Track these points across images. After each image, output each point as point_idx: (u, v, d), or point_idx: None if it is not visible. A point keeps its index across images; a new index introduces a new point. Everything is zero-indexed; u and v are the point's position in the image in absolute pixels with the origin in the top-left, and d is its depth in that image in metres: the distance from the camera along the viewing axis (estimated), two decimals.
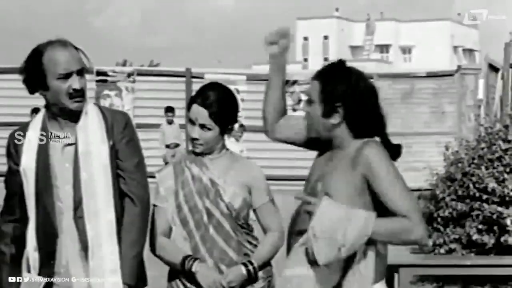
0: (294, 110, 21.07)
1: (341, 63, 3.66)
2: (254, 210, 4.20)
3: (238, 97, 20.69)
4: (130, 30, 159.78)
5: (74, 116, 3.87)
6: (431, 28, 77.26)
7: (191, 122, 4.09)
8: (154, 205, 4.16)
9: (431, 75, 19.55)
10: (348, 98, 3.58)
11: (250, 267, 4.06)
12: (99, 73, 20.74)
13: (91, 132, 3.86)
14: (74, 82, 3.79)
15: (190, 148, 4.25)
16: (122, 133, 3.91)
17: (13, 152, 3.92)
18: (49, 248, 3.85)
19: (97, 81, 20.69)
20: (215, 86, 4.20)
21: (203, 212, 4.06)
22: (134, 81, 21.72)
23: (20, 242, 3.91)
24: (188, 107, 4.13)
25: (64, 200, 3.85)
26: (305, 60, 77.42)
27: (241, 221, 4.13)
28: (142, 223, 3.94)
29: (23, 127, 3.99)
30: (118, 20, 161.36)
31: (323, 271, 3.50)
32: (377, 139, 3.65)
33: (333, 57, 75.94)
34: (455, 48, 79.28)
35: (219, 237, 4.06)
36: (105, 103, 21.22)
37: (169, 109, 19.31)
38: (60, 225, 3.84)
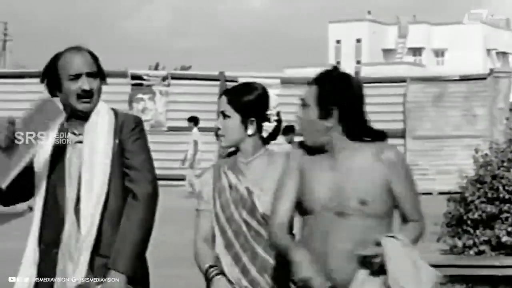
0: None
1: (336, 68, 3.82)
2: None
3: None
4: (162, 33, 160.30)
5: (85, 117, 3.98)
6: (463, 30, 76.83)
7: (218, 117, 4.11)
8: (197, 210, 4.11)
9: (463, 79, 19.58)
10: (343, 102, 3.72)
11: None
12: (134, 77, 20.93)
13: (99, 130, 3.96)
14: (83, 83, 3.90)
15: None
16: (130, 133, 3.98)
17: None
18: (54, 239, 3.91)
19: (132, 84, 20.84)
20: (247, 82, 4.16)
21: (241, 222, 3.98)
22: (168, 85, 21.98)
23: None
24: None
25: (70, 193, 3.93)
26: (338, 63, 77.21)
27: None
28: (141, 218, 3.93)
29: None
30: (150, 24, 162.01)
31: None
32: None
33: (365, 60, 75.89)
34: (488, 51, 78.78)
35: (258, 246, 3.98)
36: (138, 106, 21.50)
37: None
38: (68, 218, 3.91)
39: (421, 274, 3.65)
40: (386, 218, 3.77)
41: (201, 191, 4.10)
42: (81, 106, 3.94)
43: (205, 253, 4.00)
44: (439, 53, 79.22)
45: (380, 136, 3.82)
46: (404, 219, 3.82)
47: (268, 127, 4.04)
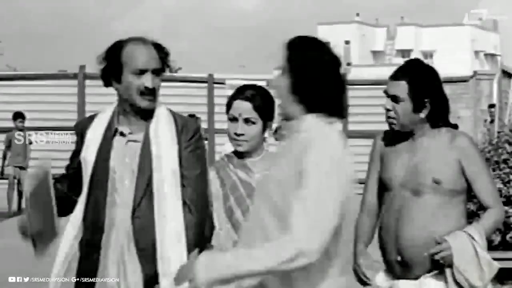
0: None
1: (418, 61, 4.15)
2: None
3: None
4: (152, 34, 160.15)
5: (143, 114, 3.83)
6: (452, 32, 77.08)
7: (233, 119, 4.06)
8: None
9: (446, 81, 19.89)
10: (436, 94, 4.05)
11: None
12: None
13: (162, 135, 3.80)
14: (147, 80, 3.75)
15: (233, 148, 4.17)
16: (188, 142, 3.83)
17: (79, 139, 3.94)
18: (94, 241, 3.79)
19: None
20: (252, 85, 4.16)
21: None
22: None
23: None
24: (228, 106, 4.11)
25: (121, 194, 3.79)
26: None
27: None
28: (196, 233, 3.83)
29: (90, 117, 4.02)
30: (140, 25, 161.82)
31: None
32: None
33: (355, 62, 75.84)
34: (476, 52, 79.05)
35: None
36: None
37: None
38: (112, 218, 3.78)
39: (482, 265, 3.93)
40: (457, 196, 4.05)
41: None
42: (143, 103, 3.81)
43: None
44: (427, 55, 79.38)
45: (454, 125, 4.15)
46: (482, 206, 4.14)
47: (272, 127, 4.17)
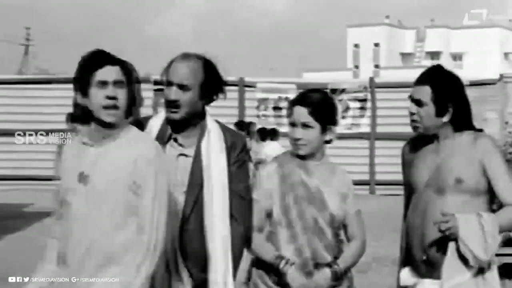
0: (343, 117, 21.78)
1: (440, 67, 4.26)
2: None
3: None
4: (184, 37, 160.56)
5: (178, 126, 4.02)
6: (482, 34, 76.66)
7: (293, 125, 4.20)
8: (253, 198, 4.21)
9: (473, 84, 19.93)
10: (458, 98, 4.16)
11: (337, 268, 4.17)
12: (156, 82, 21.28)
13: (213, 151, 3.97)
14: (170, 93, 3.96)
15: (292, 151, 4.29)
16: (237, 157, 4.03)
17: None
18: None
19: (155, 90, 21.24)
20: (314, 90, 4.30)
21: (310, 218, 4.15)
22: None
23: None
24: (288, 113, 4.25)
25: (170, 206, 3.84)
26: (356, 67, 77.18)
27: (338, 230, 4.26)
28: (243, 244, 4.07)
29: (145, 119, 4.14)
30: (172, 28, 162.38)
31: (481, 272, 4.07)
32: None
33: (384, 64, 75.52)
34: (506, 54, 78.63)
35: (320, 243, 4.17)
36: (162, 112, 22.05)
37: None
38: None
39: (486, 238, 3.98)
40: (480, 196, 4.13)
41: (261, 182, 4.22)
42: (168, 115, 4.00)
43: (264, 243, 4.17)
44: (457, 57, 78.96)
45: (479, 129, 4.26)
46: (501, 205, 4.13)
47: (335, 131, 4.26)
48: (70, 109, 18.09)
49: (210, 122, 4.08)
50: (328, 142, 4.26)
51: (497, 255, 4.15)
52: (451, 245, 4.03)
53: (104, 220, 3.59)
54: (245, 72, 23.29)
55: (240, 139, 4.15)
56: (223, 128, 4.12)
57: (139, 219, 3.58)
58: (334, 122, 4.26)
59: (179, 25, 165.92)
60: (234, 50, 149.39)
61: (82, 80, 3.68)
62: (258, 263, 4.24)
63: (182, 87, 3.96)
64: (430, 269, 4.17)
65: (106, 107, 3.64)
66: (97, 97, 3.65)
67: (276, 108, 22.73)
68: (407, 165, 4.40)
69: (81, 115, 3.72)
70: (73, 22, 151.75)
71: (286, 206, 4.15)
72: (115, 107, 3.63)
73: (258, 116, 22.74)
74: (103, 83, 3.65)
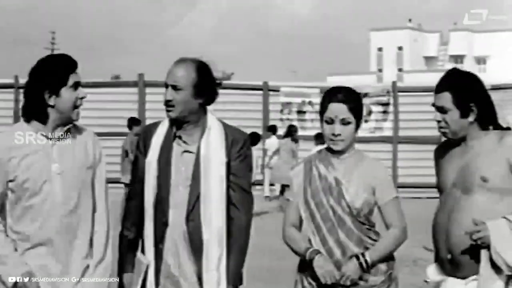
0: (365, 121, 21.99)
1: (456, 70, 4.30)
2: (379, 207, 4.36)
3: (312, 109, 21.71)
4: (206, 39, 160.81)
5: (181, 125, 4.29)
6: (505, 38, 76.42)
7: (329, 121, 4.29)
8: (287, 199, 4.53)
9: (495, 88, 20.04)
10: (480, 97, 4.19)
11: (362, 260, 4.22)
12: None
13: (212, 148, 4.25)
14: (167, 94, 4.24)
15: (326, 146, 4.42)
16: (238, 152, 4.28)
17: (141, 145, 4.35)
18: (160, 234, 4.25)
19: None
20: (343, 87, 4.38)
21: (328, 208, 4.28)
22: None
23: (139, 227, 4.35)
24: (323, 109, 4.33)
25: (177, 198, 4.25)
26: (380, 70, 77.17)
27: (362, 218, 4.28)
28: (248, 233, 4.34)
29: (155, 124, 4.45)
30: (193, 30, 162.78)
31: None
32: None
33: (407, 68, 75.22)
34: None
35: (341, 232, 4.26)
36: None
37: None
38: (172, 220, 4.25)
39: None
40: (509, 196, 4.10)
41: (292, 183, 4.46)
42: (166, 113, 4.29)
43: (298, 237, 4.39)
44: (480, 60, 78.69)
45: (507, 128, 4.26)
46: None
47: (363, 129, 4.51)
48: (94, 112, 18.21)
49: (210, 120, 4.33)
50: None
51: None
52: (484, 253, 4.05)
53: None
54: (268, 75, 23.37)
55: (241, 136, 4.38)
56: (225, 126, 4.36)
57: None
58: (362, 117, 4.41)
59: (201, 26, 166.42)
60: (256, 51, 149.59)
61: (55, 82, 4.08)
62: (301, 265, 4.41)
63: (175, 87, 4.24)
64: (454, 268, 4.21)
65: (76, 107, 4.15)
66: (71, 98, 4.12)
67: (300, 112, 23.01)
68: (438, 167, 4.44)
69: (40, 113, 4.11)
70: (97, 26, 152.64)
71: (307, 200, 4.34)
72: (79, 106, 4.17)
73: (281, 120, 23.02)
74: (76, 85, 4.13)
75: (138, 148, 4.40)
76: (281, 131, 22.06)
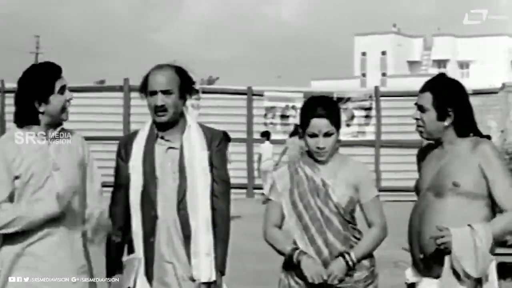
0: (348, 125, 22.17)
1: (443, 75, 4.45)
2: (361, 206, 4.52)
3: (295, 113, 21.75)
4: (191, 44, 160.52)
5: (165, 127, 4.52)
6: (488, 43, 76.61)
7: (312, 136, 4.44)
8: (269, 199, 4.61)
9: (476, 93, 19.99)
10: (459, 103, 4.31)
11: (348, 259, 4.38)
12: None
13: (194, 142, 4.49)
14: (157, 100, 4.46)
15: (308, 156, 4.56)
16: (218, 147, 4.55)
17: (123, 152, 4.59)
18: (150, 228, 4.47)
19: None
20: (321, 98, 4.55)
21: (316, 209, 4.42)
22: (199, 99, 22.92)
23: (125, 229, 4.54)
24: (305, 123, 4.47)
25: (166, 191, 4.48)
26: (363, 75, 77.21)
27: (348, 217, 4.45)
28: (229, 222, 4.62)
29: (134, 131, 4.72)
30: (179, 35, 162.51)
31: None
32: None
33: (391, 72, 75.19)
34: None
35: (329, 232, 4.41)
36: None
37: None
38: (163, 212, 4.46)
39: (478, 256, 4.06)
40: (479, 200, 4.21)
41: (275, 183, 4.59)
42: (157, 118, 4.52)
43: (281, 237, 4.52)
44: (463, 65, 78.80)
45: (486, 136, 4.39)
46: (500, 210, 4.20)
47: (343, 133, 4.68)
48: (80, 116, 18.25)
49: (189, 119, 4.61)
50: (339, 141, 4.57)
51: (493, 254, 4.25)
52: (447, 259, 4.17)
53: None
54: (253, 80, 23.50)
55: (218, 132, 4.67)
56: (200, 124, 4.63)
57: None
58: (341, 124, 4.57)
59: (185, 31, 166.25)
60: (241, 57, 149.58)
61: (43, 91, 4.33)
62: (286, 264, 4.56)
63: (165, 92, 4.47)
64: (427, 267, 4.32)
65: (65, 109, 4.41)
66: (60, 102, 4.37)
67: (283, 116, 23.14)
68: (419, 170, 4.56)
69: (32, 119, 4.35)
70: (82, 30, 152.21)
71: (294, 201, 4.47)
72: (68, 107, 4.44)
73: (265, 124, 23.16)
74: (63, 89, 4.38)
75: (119, 155, 4.63)
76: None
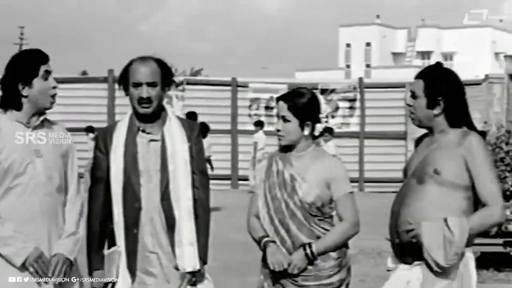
0: (333, 117, 22.26)
1: (439, 64, 4.45)
2: (334, 201, 4.55)
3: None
4: (176, 36, 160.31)
5: (148, 119, 4.54)
6: (472, 34, 76.90)
7: (277, 117, 4.65)
8: (250, 191, 4.81)
9: None
10: (450, 93, 4.29)
11: (308, 250, 4.48)
12: None
13: (175, 134, 4.55)
14: (142, 92, 4.46)
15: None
16: (196, 138, 4.62)
17: (101, 144, 4.59)
18: (133, 219, 4.49)
19: None
20: (300, 89, 4.69)
21: (282, 201, 4.54)
22: (183, 90, 22.98)
23: (105, 221, 4.57)
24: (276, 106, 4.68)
25: (149, 183, 4.51)
26: (348, 66, 77.33)
27: (314, 211, 4.51)
28: (209, 210, 4.67)
29: (113, 124, 4.75)
30: (164, 27, 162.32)
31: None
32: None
33: (375, 64, 75.27)
34: (497, 54, 78.77)
35: (293, 224, 4.52)
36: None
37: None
38: (147, 203, 4.50)
39: (446, 247, 4.10)
40: (459, 191, 4.23)
41: (256, 176, 4.80)
42: (141, 110, 4.53)
43: (257, 226, 4.65)
44: (448, 56, 78.93)
45: (475, 128, 4.36)
46: (483, 204, 4.23)
47: (319, 127, 4.62)
48: (63, 108, 18.16)
49: (169, 111, 4.66)
50: (315, 137, 4.66)
51: (474, 245, 4.31)
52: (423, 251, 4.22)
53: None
54: (238, 71, 23.59)
55: (195, 125, 4.76)
56: (177, 117, 4.68)
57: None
58: (313, 119, 4.61)
59: (171, 23, 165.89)
60: (226, 48, 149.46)
61: (27, 73, 4.37)
62: (263, 255, 4.63)
63: (150, 84, 4.49)
64: (402, 252, 4.36)
65: (48, 96, 4.42)
66: (43, 87, 4.39)
67: (268, 107, 23.21)
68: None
69: (15, 103, 4.39)
70: (67, 21, 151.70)
71: (265, 193, 4.62)
72: (54, 95, 4.47)
73: (250, 115, 23.23)
74: (48, 74, 4.41)
75: (98, 148, 4.64)
76: (249, 127, 22.28)
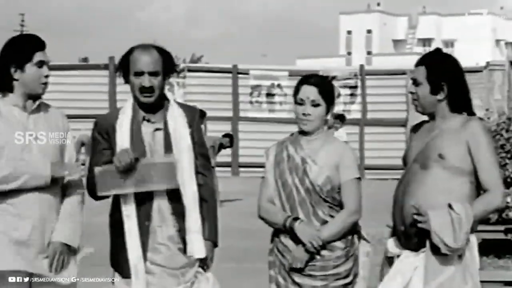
0: None
1: (439, 50, 4.48)
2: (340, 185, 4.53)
3: (281, 92, 21.83)
4: (176, 23, 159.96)
5: (149, 108, 4.49)
6: (473, 21, 76.82)
7: (300, 103, 4.54)
8: (262, 177, 4.70)
9: None
10: (453, 78, 4.30)
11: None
12: None
13: (177, 120, 4.51)
14: (144, 81, 4.40)
15: (298, 128, 4.62)
16: (197, 125, 4.61)
17: (103, 130, 4.53)
18: (146, 211, 4.47)
19: None
20: (315, 74, 4.73)
21: (293, 187, 4.52)
22: (184, 77, 22.95)
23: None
24: (296, 90, 4.59)
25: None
26: (349, 53, 77.31)
27: (325, 194, 4.48)
28: (215, 194, 4.72)
29: (112, 112, 4.70)
30: (164, 14, 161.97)
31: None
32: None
33: (376, 51, 75.25)
34: (498, 41, 78.78)
35: (301, 211, 4.49)
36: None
37: None
38: (156, 191, 4.46)
39: (456, 229, 4.10)
40: (463, 176, 4.24)
41: (266, 162, 4.68)
42: (143, 99, 4.47)
43: (274, 209, 4.57)
44: (448, 43, 78.85)
45: (475, 114, 4.37)
46: (484, 189, 4.24)
47: (334, 112, 4.73)
48: (64, 94, 18.15)
49: (170, 98, 4.63)
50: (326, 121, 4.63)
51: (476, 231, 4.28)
52: (428, 244, 4.21)
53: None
54: (239, 58, 23.57)
55: (195, 110, 4.72)
56: (178, 103, 4.66)
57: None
58: (334, 104, 4.62)
59: (171, 10, 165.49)
60: (226, 35, 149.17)
61: (20, 57, 4.38)
62: (277, 231, 4.60)
63: (153, 74, 4.44)
64: (407, 240, 4.33)
65: (44, 83, 4.44)
66: (35, 75, 4.40)
67: (269, 94, 23.22)
68: (408, 144, 4.60)
69: (5, 86, 4.41)
70: (67, 8, 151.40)
71: (276, 179, 4.58)
72: (46, 83, 4.46)
73: (251, 103, 23.24)
74: (42, 63, 4.41)
75: (99, 132, 4.57)
76: (250, 114, 22.29)
